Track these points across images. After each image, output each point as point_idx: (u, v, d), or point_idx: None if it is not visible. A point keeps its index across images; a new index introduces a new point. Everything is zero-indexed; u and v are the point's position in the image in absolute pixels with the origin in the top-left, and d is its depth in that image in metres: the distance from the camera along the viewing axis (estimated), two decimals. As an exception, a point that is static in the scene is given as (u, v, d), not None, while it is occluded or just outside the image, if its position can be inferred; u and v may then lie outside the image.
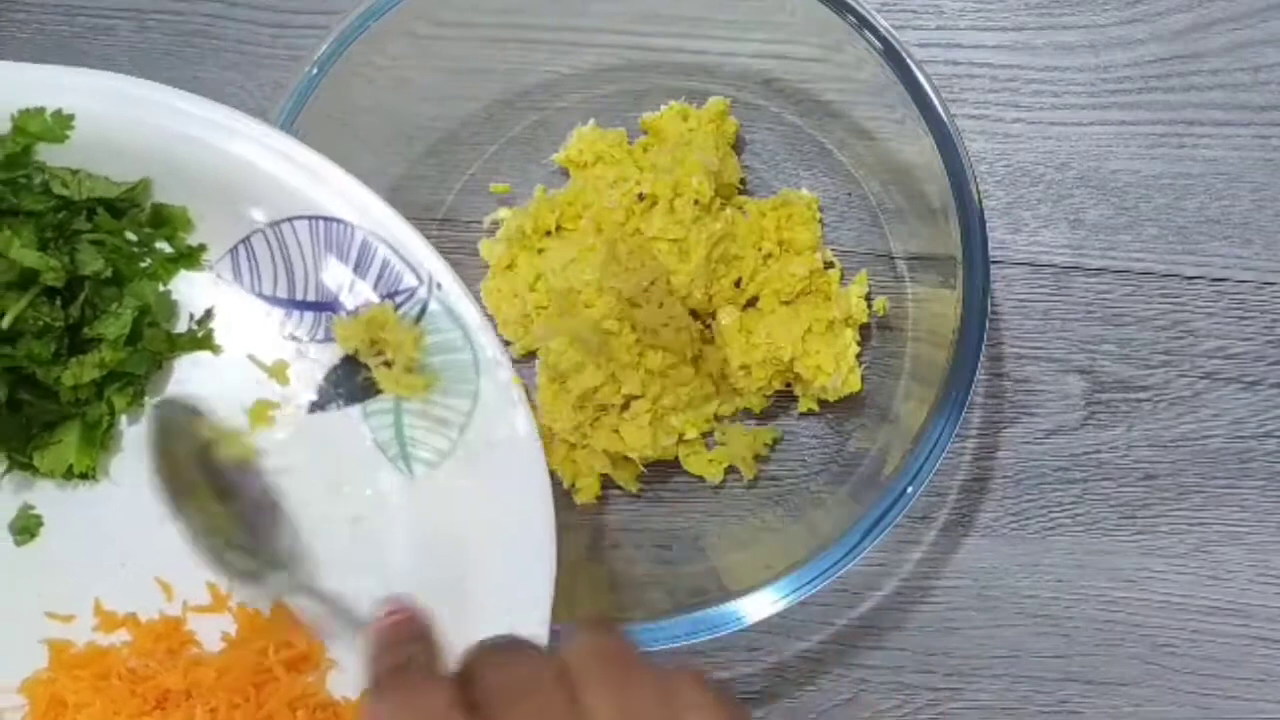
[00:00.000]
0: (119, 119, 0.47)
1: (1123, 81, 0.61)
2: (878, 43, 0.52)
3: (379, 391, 0.48)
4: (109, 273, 0.48)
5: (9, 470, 0.49)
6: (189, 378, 0.50)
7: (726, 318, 0.57)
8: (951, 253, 0.52)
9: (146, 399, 0.50)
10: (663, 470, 0.58)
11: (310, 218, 0.48)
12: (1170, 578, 0.57)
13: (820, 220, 0.59)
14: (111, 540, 0.49)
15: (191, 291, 0.50)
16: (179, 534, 0.46)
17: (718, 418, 0.58)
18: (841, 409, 0.58)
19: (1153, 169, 0.60)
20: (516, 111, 0.61)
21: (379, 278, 0.48)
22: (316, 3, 0.64)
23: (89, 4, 0.65)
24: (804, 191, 0.60)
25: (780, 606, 0.49)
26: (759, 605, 0.49)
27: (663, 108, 0.60)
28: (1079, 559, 0.57)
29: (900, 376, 0.57)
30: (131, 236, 0.49)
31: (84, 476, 0.49)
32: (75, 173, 0.48)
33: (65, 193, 0.47)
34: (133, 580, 0.49)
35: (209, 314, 0.50)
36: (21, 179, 0.47)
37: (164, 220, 0.49)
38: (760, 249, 0.57)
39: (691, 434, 0.57)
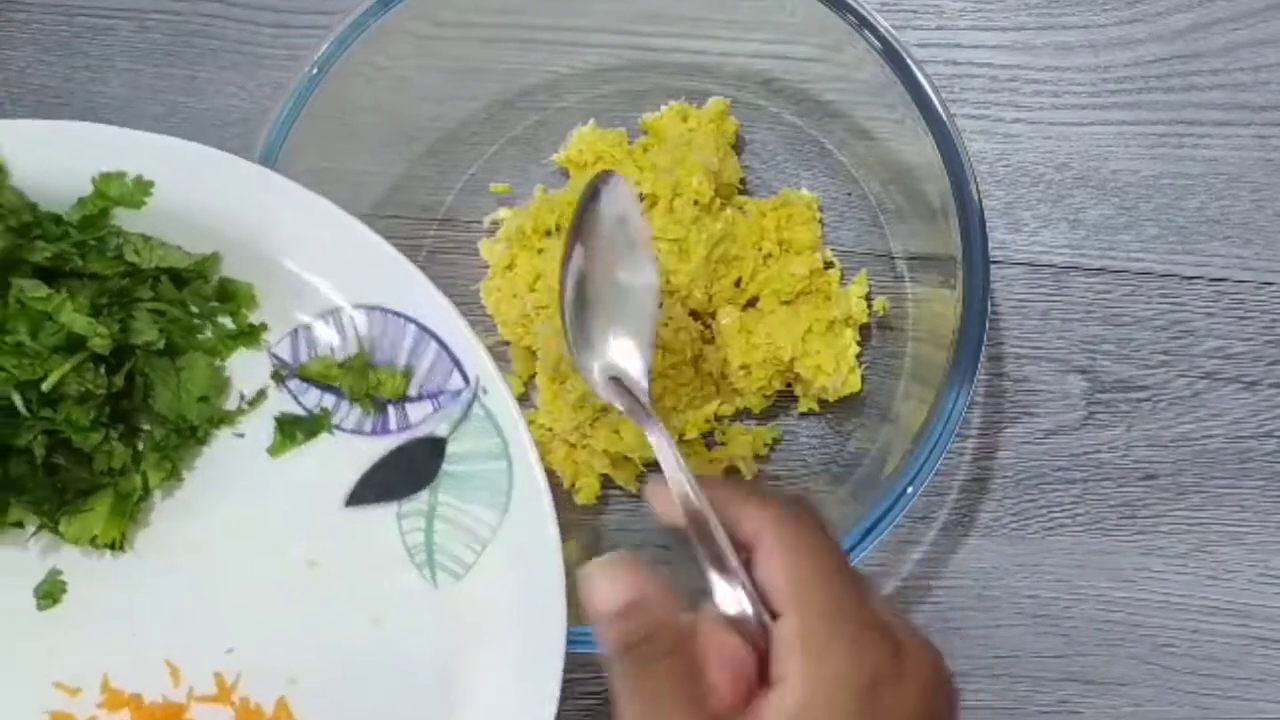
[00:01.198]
0: (196, 188, 0.46)
1: (1123, 81, 0.61)
2: (878, 43, 0.52)
3: (417, 489, 0.47)
4: (162, 344, 0.48)
5: (38, 532, 0.48)
6: (226, 450, 0.49)
7: (726, 318, 0.57)
8: (951, 253, 0.52)
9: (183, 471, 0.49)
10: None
11: (372, 308, 0.47)
12: (1170, 578, 0.57)
13: (820, 220, 0.59)
14: (127, 614, 0.48)
15: (246, 369, 0.49)
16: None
17: (718, 418, 0.58)
18: (841, 409, 0.58)
19: (1153, 169, 0.60)
20: (516, 111, 0.61)
21: (427, 376, 0.47)
22: (316, 3, 0.64)
23: (89, 4, 0.65)
24: (804, 191, 0.60)
25: (780, 606, 0.49)
26: (759, 605, 0.49)
27: (663, 108, 0.60)
28: (1079, 559, 0.57)
29: (900, 376, 0.57)
30: (193, 309, 0.48)
31: (111, 547, 0.48)
32: (148, 240, 0.47)
33: (135, 260, 0.47)
34: (142, 657, 0.48)
35: (261, 395, 0.49)
36: (93, 241, 0.46)
37: (229, 295, 0.48)
38: (760, 249, 0.57)
39: (691, 434, 0.57)
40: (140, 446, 0.49)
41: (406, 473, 0.47)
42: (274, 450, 0.48)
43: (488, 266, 0.60)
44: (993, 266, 0.53)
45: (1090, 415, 0.58)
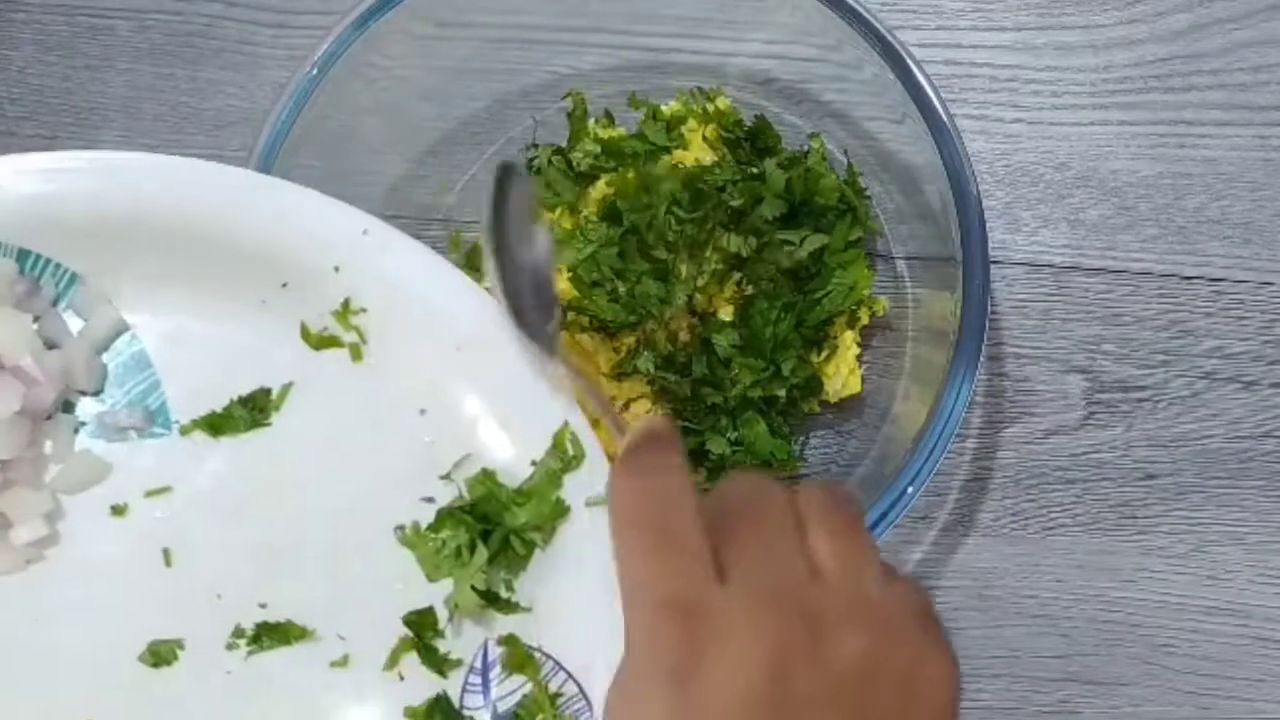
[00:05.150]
0: None
1: (1123, 81, 0.61)
2: (878, 43, 0.52)
3: None
4: None
5: None
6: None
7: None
8: (951, 253, 0.52)
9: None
10: (663, 470, 0.58)
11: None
12: (1170, 578, 0.57)
13: (820, 220, 0.59)
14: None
15: None
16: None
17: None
18: (841, 409, 0.58)
19: (1153, 169, 0.60)
20: (516, 111, 0.61)
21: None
22: (316, 3, 0.64)
23: (89, 4, 0.65)
24: (804, 191, 0.60)
25: (780, 606, 0.49)
26: (759, 605, 0.49)
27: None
28: (1079, 559, 0.57)
29: (900, 377, 0.57)
30: None
31: None
32: None
33: None
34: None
35: None
36: None
37: None
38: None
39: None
40: None
41: None
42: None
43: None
44: (993, 266, 0.53)
45: (1090, 415, 0.58)
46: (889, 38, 0.52)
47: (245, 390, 0.46)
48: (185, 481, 0.45)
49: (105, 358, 0.46)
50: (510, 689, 0.44)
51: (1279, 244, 0.59)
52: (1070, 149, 0.61)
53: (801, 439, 0.58)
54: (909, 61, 0.52)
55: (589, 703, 0.42)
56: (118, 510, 0.45)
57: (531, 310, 0.43)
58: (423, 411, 0.46)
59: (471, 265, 0.60)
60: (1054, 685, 0.57)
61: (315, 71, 0.53)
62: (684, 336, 0.56)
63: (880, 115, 0.57)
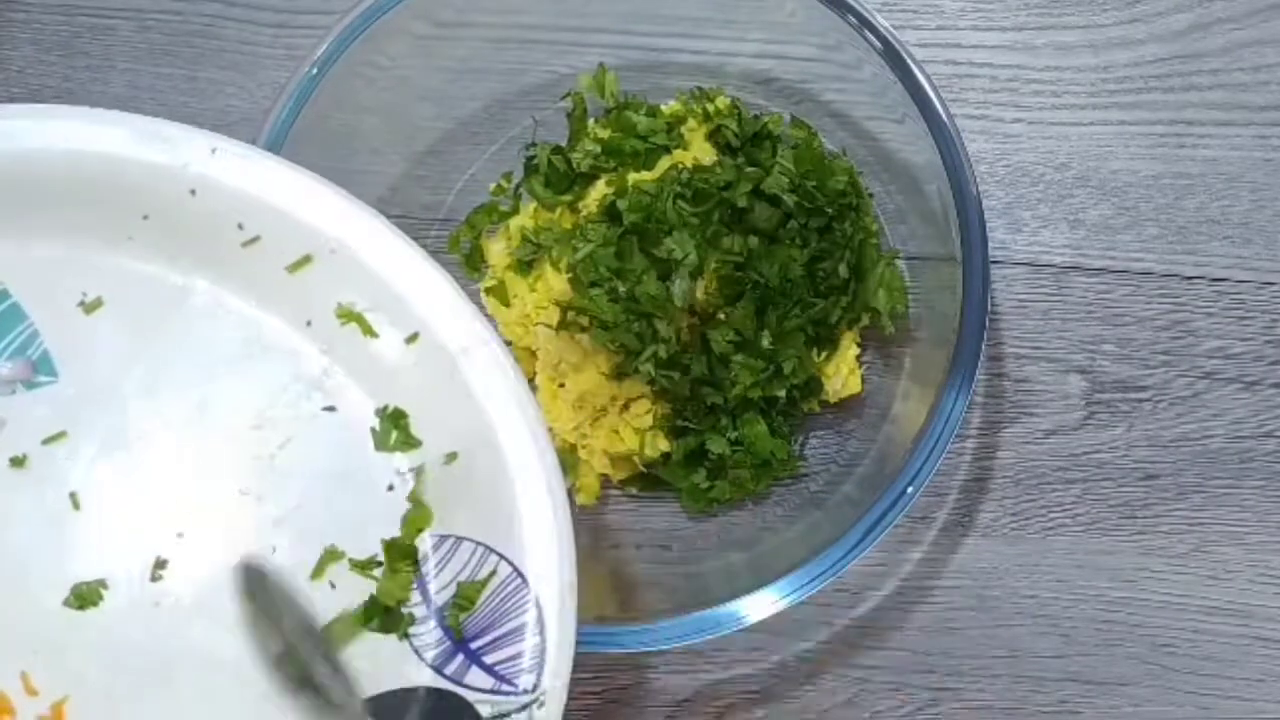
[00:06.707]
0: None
1: (1123, 81, 0.61)
2: (878, 43, 0.52)
3: None
4: None
5: None
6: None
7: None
8: (951, 253, 0.52)
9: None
10: (663, 470, 0.58)
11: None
12: (1170, 578, 0.57)
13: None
14: None
15: None
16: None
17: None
18: (841, 409, 0.58)
19: (1153, 169, 0.60)
20: (516, 111, 0.61)
21: (504, 652, 0.44)
22: (316, 3, 0.64)
23: (89, 4, 0.65)
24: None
25: (780, 606, 0.49)
26: (759, 605, 0.49)
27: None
28: (1079, 559, 0.57)
29: (900, 376, 0.57)
30: None
31: None
32: None
33: None
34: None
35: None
36: None
37: None
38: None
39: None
40: None
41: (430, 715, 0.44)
42: (348, 622, 0.45)
43: (488, 266, 0.60)
44: (993, 266, 0.53)
45: (1090, 415, 0.58)
46: (889, 38, 0.52)
47: (124, 328, 0.46)
48: (80, 424, 0.46)
49: None
50: (445, 581, 0.44)
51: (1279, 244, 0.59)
52: (1070, 149, 0.61)
53: (801, 439, 0.58)
54: (909, 61, 0.52)
55: (525, 580, 0.43)
56: (17, 462, 0.45)
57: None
58: (308, 323, 0.46)
59: (471, 265, 0.60)
60: (1054, 685, 0.57)
61: (315, 71, 0.53)
62: (684, 336, 0.56)
63: (880, 115, 0.57)
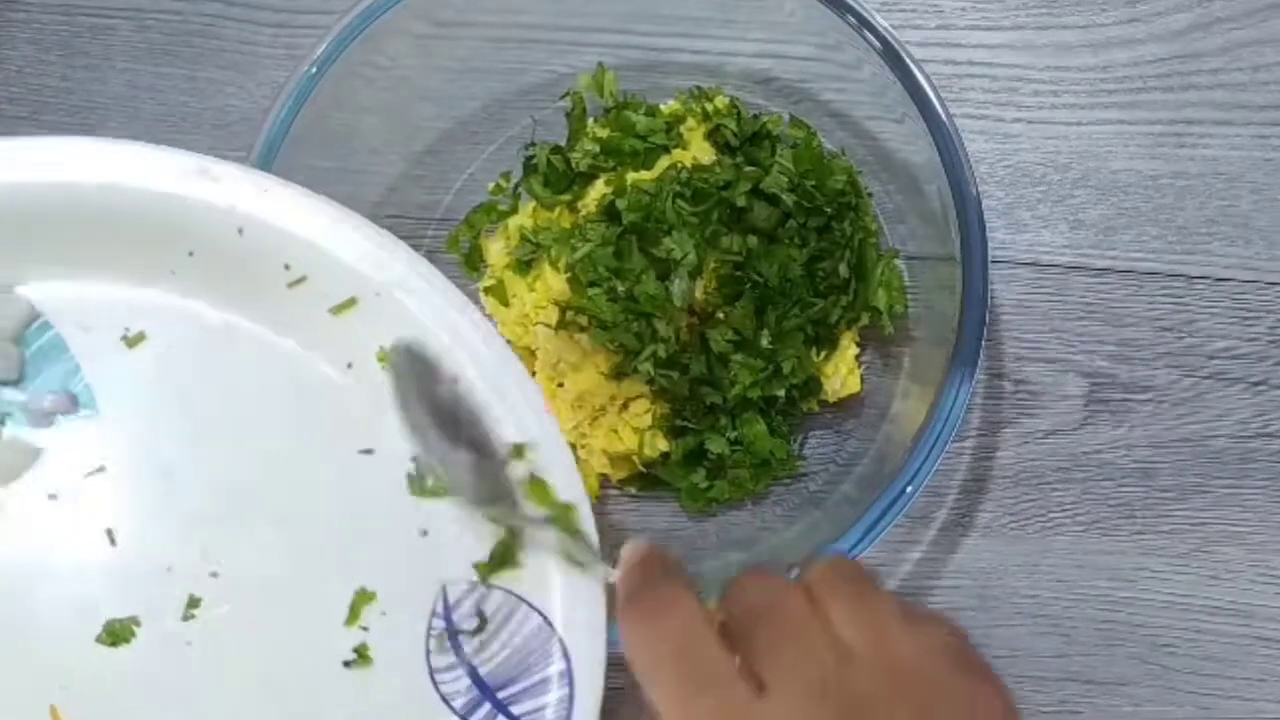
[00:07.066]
0: None
1: (1123, 81, 0.61)
2: (878, 43, 0.52)
3: None
4: None
5: None
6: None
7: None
8: (951, 253, 0.52)
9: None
10: (662, 470, 0.58)
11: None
12: (1171, 578, 0.57)
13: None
14: None
15: None
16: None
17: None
18: (841, 409, 0.58)
19: (1153, 169, 0.60)
20: (516, 111, 0.61)
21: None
22: (316, 3, 0.64)
23: (88, 3, 0.65)
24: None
25: (780, 606, 0.49)
26: (758, 605, 0.49)
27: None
28: (1078, 559, 0.57)
29: (900, 376, 0.57)
30: None
31: None
32: None
33: None
34: None
35: None
36: None
37: None
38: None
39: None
40: None
41: None
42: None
43: (487, 265, 0.60)
44: (993, 266, 0.53)
45: (1090, 415, 0.58)
46: (888, 37, 0.52)
47: (165, 364, 0.46)
48: (119, 458, 0.45)
49: (20, 346, 0.46)
50: (476, 628, 0.45)
51: (1280, 244, 0.59)
52: (1071, 149, 0.60)
53: (800, 438, 0.58)
54: (909, 61, 0.52)
55: (553, 630, 0.43)
56: (56, 496, 0.45)
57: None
58: (349, 365, 0.46)
59: (470, 265, 0.60)
60: (1054, 685, 0.57)
61: (315, 71, 0.53)
62: (683, 336, 0.56)
63: (880, 115, 0.57)
